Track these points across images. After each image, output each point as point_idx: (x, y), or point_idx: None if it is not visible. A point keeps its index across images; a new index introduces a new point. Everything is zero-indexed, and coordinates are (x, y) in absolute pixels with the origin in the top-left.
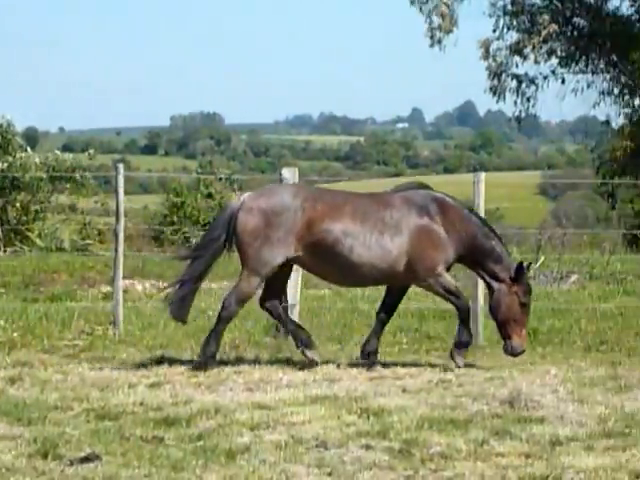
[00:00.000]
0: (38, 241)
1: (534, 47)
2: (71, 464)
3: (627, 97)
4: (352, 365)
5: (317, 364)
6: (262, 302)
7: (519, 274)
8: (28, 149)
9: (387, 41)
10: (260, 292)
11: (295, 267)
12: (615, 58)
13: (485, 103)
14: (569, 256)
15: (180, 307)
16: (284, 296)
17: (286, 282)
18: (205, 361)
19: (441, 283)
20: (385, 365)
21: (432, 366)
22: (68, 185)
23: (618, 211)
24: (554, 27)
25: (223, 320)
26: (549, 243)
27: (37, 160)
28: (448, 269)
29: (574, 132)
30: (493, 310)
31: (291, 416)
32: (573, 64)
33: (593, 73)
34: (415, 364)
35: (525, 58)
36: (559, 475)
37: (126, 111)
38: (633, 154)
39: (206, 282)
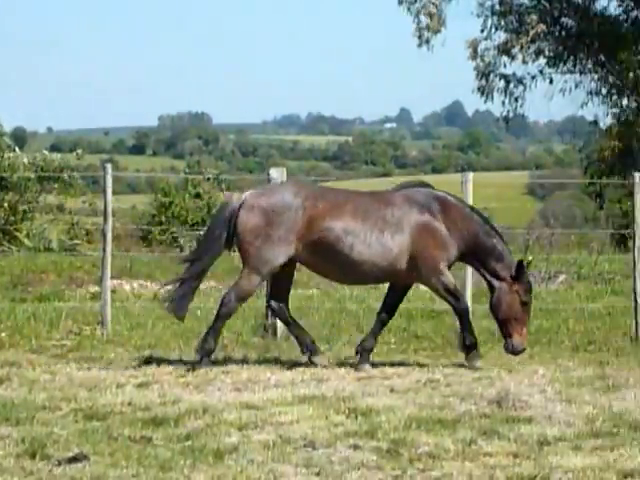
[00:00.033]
0: (26, 241)
1: (522, 47)
2: (59, 464)
3: (615, 97)
4: (340, 365)
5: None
6: (269, 303)
7: (520, 272)
8: (16, 149)
9: (375, 41)
10: (255, 292)
11: None
12: (603, 58)
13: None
14: (557, 256)
15: (179, 305)
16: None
17: (291, 282)
18: (202, 358)
19: (443, 282)
20: (373, 365)
21: (420, 366)
22: (56, 185)
23: (606, 211)
24: (542, 27)
25: (222, 317)
26: (537, 243)
27: (25, 160)
28: (450, 267)
29: (562, 132)
30: (494, 309)
31: (279, 416)
32: (561, 64)
33: (581, 73)
34: (403, 364)
35: (513, 58)
36: (547, 475)
37: (114, 111)
38: (621, 154)
39: None
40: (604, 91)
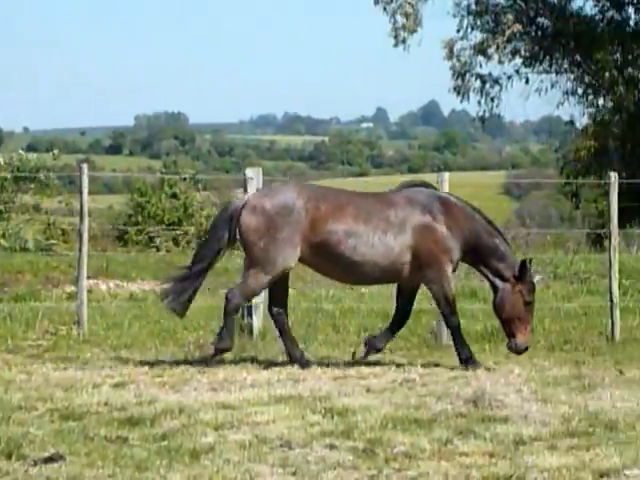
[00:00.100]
0: (2, 241)
1: (498, 47)
2: (35, 464)
3: (591, 97)
4: (316, 365)
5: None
6: (270, 309)
7: (523, 272)
8: None
9: (351, 41)
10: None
11: None
12: (579, 58)
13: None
14: (533, 256)
15: (179, 301)
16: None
17: (287, 285)
18: (214, 356)
19: (445, 290)
20: (349, 364)
21: (396, 365)
22: (32, 185)
23: (582, 211)
24: (518, 27)
25: (229, 313)
26: (513, 243)
27: (1, 160)
28: (454, 269)
29: (538, 132)
30: (497, 309)
31: (255, 416)
32: (537, 64)
33: (557, 73)
34: (379, 363)
35: (489, 58)
36: (523, 474)
37: (90, 111)
38: (597, 154)
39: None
40: (580, 91)
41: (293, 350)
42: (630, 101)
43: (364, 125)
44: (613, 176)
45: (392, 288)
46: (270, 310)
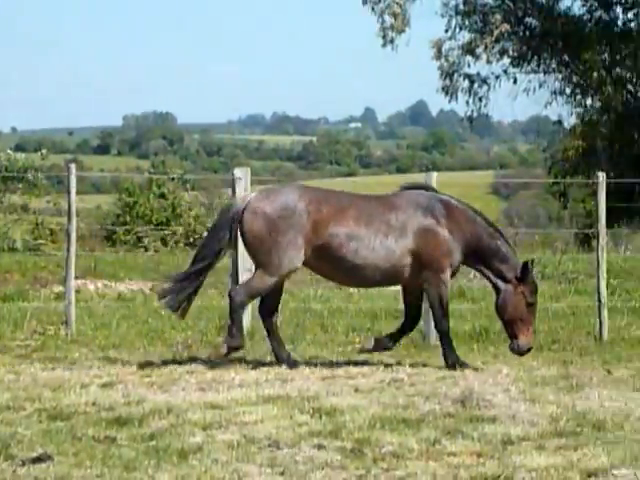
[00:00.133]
0: None
1: (486, 47)
2: (23, 464)
3: (579, 97)
4: (305, 364)
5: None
6: (261, 308)
7: (525, 273)
8: None
9: (339, 41)
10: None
11: (248, 266)
12: (567, 58)
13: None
14: (521, 255)
15: (177, 300)
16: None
17: (282, 287)
18: (228, 353)
19: (440, 293)
20: (337, 364)
21: (384, 365)
22: (20, 185)
23: (570, 211)
24: (506, 27)
25: (235, 310)
26: None
27: None
28: (456, 272)
29: (526, 132)
30: (500, 310)
31: (243, 416)
32: (525, 64)
33: (545, 73)
34: (367, 363)
35: (477, 58)
36: (511, 474)
37: (78, 111)
38: (585, 154)
39: (157, 282)
40: (568, 91)
41: (280, 351)
42: (618, 101)
43: (352, 125)
44: (601, 176)
45: (385, 288)
46: (261, 309)
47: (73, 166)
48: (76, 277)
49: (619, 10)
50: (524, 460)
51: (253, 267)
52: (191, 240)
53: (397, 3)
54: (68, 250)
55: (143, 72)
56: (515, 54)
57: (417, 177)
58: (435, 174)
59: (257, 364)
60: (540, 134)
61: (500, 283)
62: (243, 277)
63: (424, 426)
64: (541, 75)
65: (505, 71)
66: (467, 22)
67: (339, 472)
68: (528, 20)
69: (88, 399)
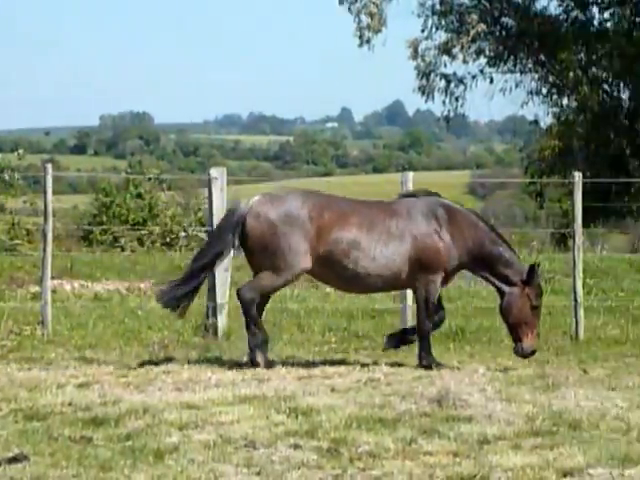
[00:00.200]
0: None
1: (462, 47)
2: None
3: (555, 96)
4: (281, 364)
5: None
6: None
7: (531, 277)
8: None
9: (316, 41)
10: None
11: (225, 266)
12: (543, 58)
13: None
14: None
15: (175, 298)
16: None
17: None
18: (254, 350)
19: (428, 292)
20: (314, 364)
21: (361, 365)
22: None
23: (546, 210)
24: (482, 27)
25: (247, 309)
26: None
27: None
28: (453, 274)
29: (503, 132)
30: (504, 313)
31: (220, 416)
32: (501, 64)
33: (521, 73)
34: (344, 363)
35: (454, 58)
36: (487, 474)
37: (55, 111)
38: (561, 153)
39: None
40: (544, 91)
41: (259, 352)
42: (594, 101)
43: (329, 125)
44: (577, 175)
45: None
46: None
47: (49, 166)
48: (52, 277)
49: (595, 10)
50: (500, 459)
51: (230, 267)
52: (167, 240)
53: (373, 3)
54: (44, 250)
55: (120, 72)
56: (491, 54)
57: (393, 177)
58: (411, 174)
59: (233, 364)
60: (516, 134)
61: (504, 286)
62: (219, 276)
63: (400, 426)
64: (517, 75)
65: (481, 71)
66: (443, 22)
67: (315, 472)
68: (504, 20)
69: (64, 399)
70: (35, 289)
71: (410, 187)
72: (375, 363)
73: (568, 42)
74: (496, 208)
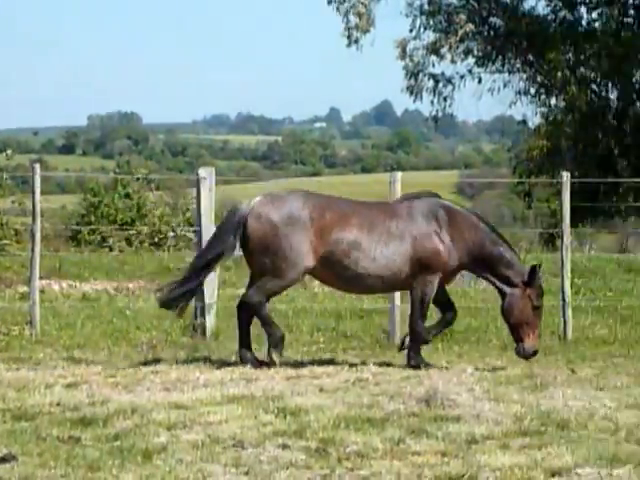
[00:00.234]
0: None
1: (451, 47)
2: None
3: (543, 96)
4: (269, 364)
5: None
6: (241, 304)
7: (533, 277)
8: None
9: (304, 41)
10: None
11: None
12: (531, 58)
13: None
14: None
15: (176, 300)
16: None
17: None
18: (277, 346)
19: (425, 293)
20: (302, 364)
21: (349, 365)
22: None
23: (534, 210)
24: (470, 27)
25: (258, 312)
26: None
27: None
28: (453, 275)
29: (491, 132)
30: (506, 314)
31: (208, 416)
32: (490, 64)
33: (509, 73)
34: (332, 363)
35: (442, 58)
36: (475, 473)
37: (43, 111)
38: (549, 153)
39: (122, 282)
40: (532, 91)
41: (245, 351)
42: (582, 101)
43: (317, 125)
44: (565, 175)
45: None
46: (240, 306)
47: (38, 166)
48: (41, 277)
49: (583, 10)
50: (488, 459)
51: (219, 267)
52: (156, 240)
53: (362, 3)
54: (33, 250)
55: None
56: (479, 54)
57: (382, 177)
58: (400, 174)
59: (222, 364)
60: (504, 134)
61: (506, 287)
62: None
63: (388, 425)
64: (505, 75)
65: (470, 71)
66: (431, 22)
67: (304, 472)
68: (492, 20)
69: (52, 399)
70: (23, 289)
71: (398, 187)
72: (363, 363)
73: (556, 42)
74: (484, 208)
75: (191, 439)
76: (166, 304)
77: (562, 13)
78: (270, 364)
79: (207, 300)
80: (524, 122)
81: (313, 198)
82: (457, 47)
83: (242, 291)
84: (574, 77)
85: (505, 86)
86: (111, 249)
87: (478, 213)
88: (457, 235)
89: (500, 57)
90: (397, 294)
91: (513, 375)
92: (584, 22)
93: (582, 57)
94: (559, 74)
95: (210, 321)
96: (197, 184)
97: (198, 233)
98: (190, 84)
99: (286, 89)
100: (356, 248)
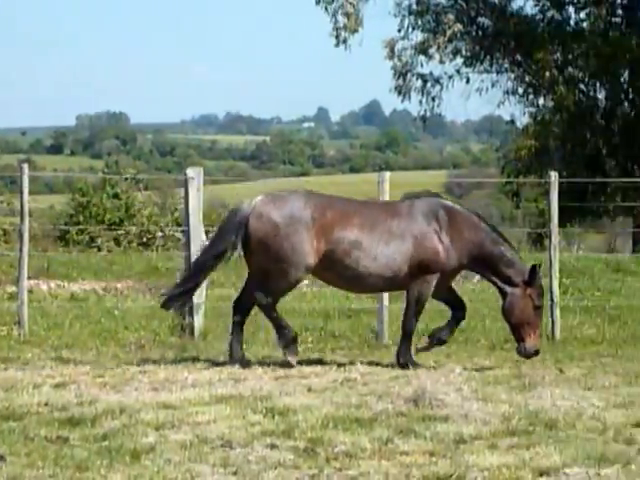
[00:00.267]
0: None
1: (439, 47)
2: None
3: (531, 96)
4: (258, 364)
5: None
6: (237, 302)
7: (533, 277)
8: None
9: (292, 40)
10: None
11: None
12: (519, 57)
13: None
14: None
15: (174, 299)
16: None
17: None
18: (288, 347)
19: (421, 292)
20: (290, 365)
21: (337, 365)
22: None
23: (523, 210)
24: (459, 27)
25: (267, 314)
26: None
27: None
28: (453, 275)
29: (479, 131)
30: (507, 313)
31: (196, 416)
32: (478, 64)
33: (498, 72)
34: (320, 363)
35: (430, 58)
36: (463, 473)
37: (31, 111)
38: (537, 153)
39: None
40: (520, 90)
41: (237, 349)
42: (570, 100)
43: (305, 125)
44: (553, 175)
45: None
46: (237, 303)
47: (26, 166)
48: (29, 277)
49: (571, 10)
50: (476, 459)
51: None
52: (144, 240)
53: (350, 3)
54: (21, 250)
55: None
56: (468, 54)
57: (370, 177)
58: (388, 174)
59: (210, 364)
60: (493, 134)
61: (507, 287)
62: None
63: (377, 425)
64: (494, 75)
65: (458, 71)
66: (420, 22)
67: (292, 472)
68: (481, 20)
69: (41, 399)
70: (11, 289)
71: (387, 187)
72: (351, 363)
73: (544, 42)
74: (472, 208)
75: (179, 439)
76: (166, 304)
77: (550, 13)
78: (288, 366)
79: (195, 300)
80: (512, 122)
81: (314, 198)
82: (445, 47)
83: (230, 291)
84: (562, 77)
85: (493, 86)
86: (99, 249)
87: (479, 213)
88: (457, 235)
89: (488, 57)
90: (386, 294)
91: (501, 375)
92: (572, 22)
93: (570, 57)
94: (547, 74)
95: (198, 321)
96: (185, 184)
97: (186, 233)
98: (178, 84)
99: (274, 89)
100: (357, 247)
